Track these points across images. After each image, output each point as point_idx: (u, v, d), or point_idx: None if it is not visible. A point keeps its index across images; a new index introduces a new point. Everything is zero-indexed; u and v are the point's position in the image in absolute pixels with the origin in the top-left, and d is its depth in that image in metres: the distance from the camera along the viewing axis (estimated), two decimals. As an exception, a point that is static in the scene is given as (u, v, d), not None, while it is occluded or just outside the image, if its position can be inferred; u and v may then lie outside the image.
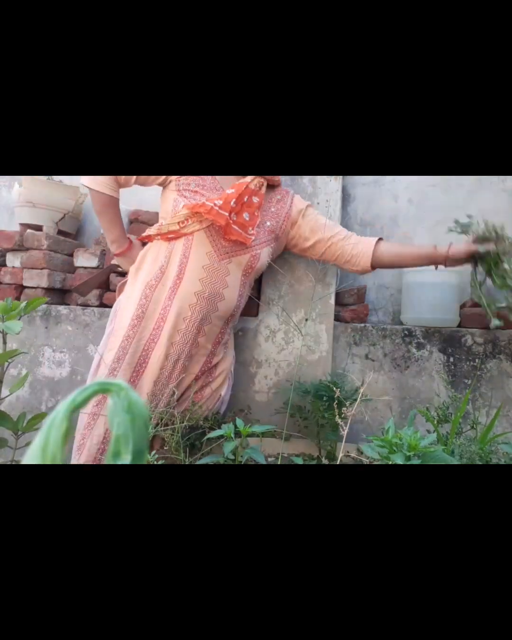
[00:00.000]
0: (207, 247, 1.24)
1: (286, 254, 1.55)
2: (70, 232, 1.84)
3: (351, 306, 1.62)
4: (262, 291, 1.55)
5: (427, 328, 1.52)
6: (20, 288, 1.68)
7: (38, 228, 1.73)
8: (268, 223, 1.34)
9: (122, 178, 1.26)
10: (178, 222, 1.23)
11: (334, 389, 1.09)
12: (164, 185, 1.31)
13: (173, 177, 1.27)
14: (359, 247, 1.34)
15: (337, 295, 1.59)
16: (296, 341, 1.49)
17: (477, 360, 1.48)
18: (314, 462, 1.25)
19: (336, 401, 1.07)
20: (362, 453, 1.06)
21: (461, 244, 1.29)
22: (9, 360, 1.10)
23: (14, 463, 1.25)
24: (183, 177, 1.25)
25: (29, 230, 1.69)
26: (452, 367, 1.49)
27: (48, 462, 0.23)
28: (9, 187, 2.09)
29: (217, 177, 1.29)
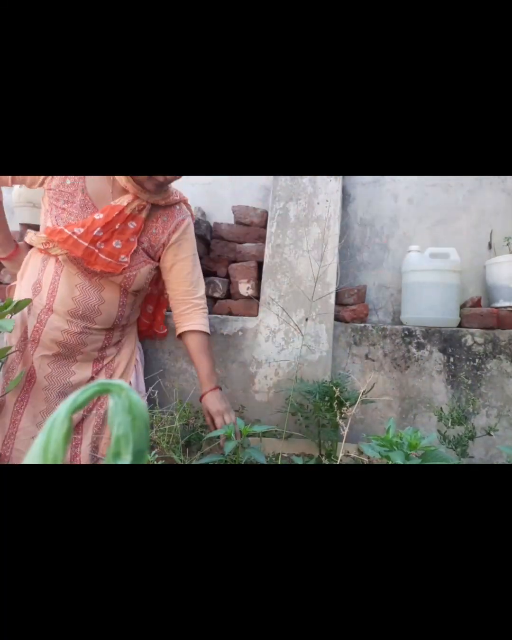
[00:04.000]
0: (77, 268, 1.16)
1: (286, 253, 1.55)
2: (70, 232, 1.84)
3: (351, 306, 1.62)
4: (262, 291, 1.55)
5: (427, 328, 1.53)
6: (20, 288, 1.68)
7: (38, 228, 1.73)
8: (145, 244, 1.22)
9: None
10: (42, 243, 1.15)
11: (335, 389, 1.09)
12: (43, 187, 1.17)
13: (45, 180, 1.14)
14: (181, 318, 1.30)
15: (337, 295, 1.59)
16: (296, 341, 1.49)
17: (477, 360, 1.49)
18: (313, 462, 1.26)
19: (337, 401, 1.08)
20: (362, 453, 1.06)
21: (211, 402, 1.20)
22: (3, 359, 1.11)
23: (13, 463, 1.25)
24: (53, 183, 1.13)
25: (29, 230, 1.68)
26: (452, 367, 1.49)
27: (49, 462, 0.23)
28: (9, 187, 2.09)
29: (90, 193, 1.14)
